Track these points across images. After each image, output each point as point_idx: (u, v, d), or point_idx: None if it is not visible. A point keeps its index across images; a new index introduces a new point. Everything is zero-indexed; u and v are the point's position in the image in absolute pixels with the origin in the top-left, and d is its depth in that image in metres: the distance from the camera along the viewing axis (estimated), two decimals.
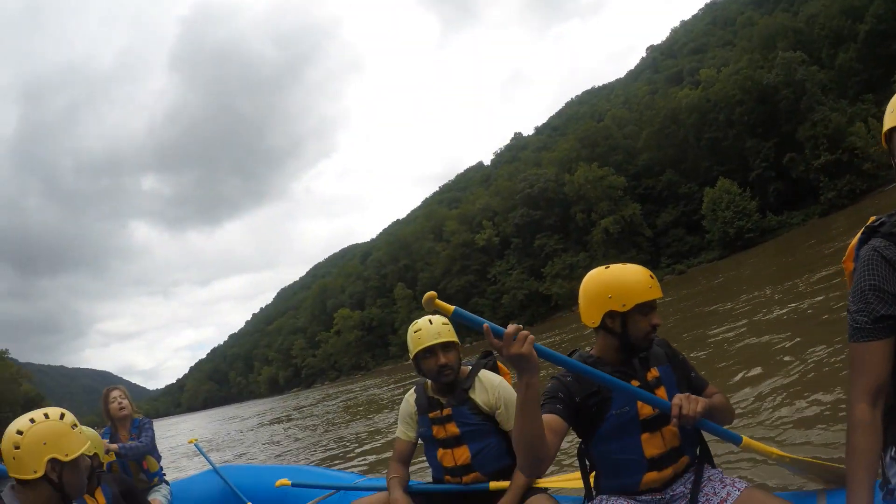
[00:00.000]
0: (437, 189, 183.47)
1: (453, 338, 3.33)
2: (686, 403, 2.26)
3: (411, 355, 3.38)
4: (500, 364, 3.67)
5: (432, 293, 1.88)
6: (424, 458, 3.61)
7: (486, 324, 1.91)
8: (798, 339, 9.34)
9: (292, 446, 16.06)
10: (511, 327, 1.92)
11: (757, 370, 8.37)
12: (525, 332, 1.94)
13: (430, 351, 3.28)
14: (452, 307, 1.93)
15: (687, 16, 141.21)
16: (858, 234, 2.12)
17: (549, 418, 2.35)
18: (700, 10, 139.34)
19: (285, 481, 4.20)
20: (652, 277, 2.50)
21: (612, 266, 2.57)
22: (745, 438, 2.41)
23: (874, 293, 1.94)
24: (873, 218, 2.09)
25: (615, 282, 2.49)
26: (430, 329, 3.28)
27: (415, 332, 3.34)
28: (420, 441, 3.55)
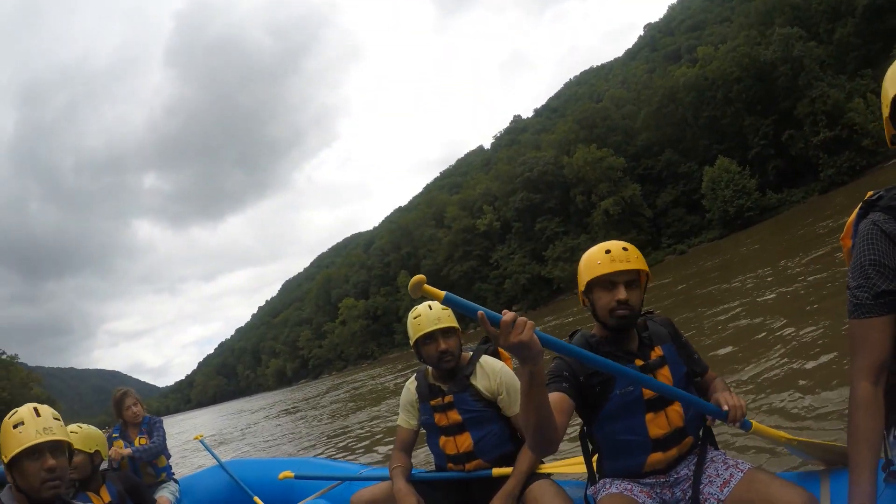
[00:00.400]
0: (438, 175, 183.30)
1: (454, 323, 3.31)
2: (732, 400, 2.27)
3: (411, 342, 3.37)
4: (501, 349, 3.62)
5: (420, 277, 1.64)
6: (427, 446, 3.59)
7: (482, 311, 1.72)
8: (791, 321, 9.39)
9: (299, 438, 16.17)
10: (508, 314, 1.74)
11: (749, 352, 8.45)
12: (524, 318, 1.76)
13: (431, 337, 3.27)
14: (443, 293, 1.68)
15: None
16: (856, 210, 2.10)
17: (555, 397, 2.33)
18: None
19: (288, 474, 4.28)
20: (608, 252, 2.48)
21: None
22: (755, 424, 2.38)
23: (874, 268, 1.91)
24: (871, 193, 2.06)
25: (581, 262, 2.58)
26: (429, 315, 3.26)
27: (414, 318, 3.33)
28: (422, 429, 3.53)
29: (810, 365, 6.77)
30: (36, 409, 2.46)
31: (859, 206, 2.08)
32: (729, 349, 9.26)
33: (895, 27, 52.04)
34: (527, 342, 1.73)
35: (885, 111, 1.93)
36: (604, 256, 2.46)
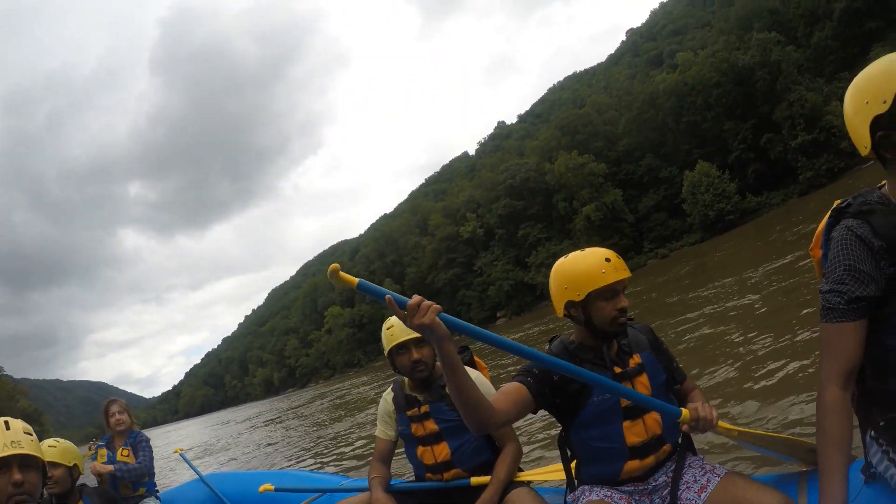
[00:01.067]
0: (424, 181, 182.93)
1: None
2: (702, 410, 2.28)
3: (385, 352, 3.38)
4: (476, 358, 3.69)
5: (335, 265, 1.76)
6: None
7: (389, 294, 1.86)
8: (752, 330, 9.45)
9: (281, 449, 16.08)
10: (414, 298, 1.89)
11: (711, 360, 8.48)
12: (428, 302, 1.89)
13: (403, 347, 3.28)
14: (357, 280, 1.81)
15: None
16: (825, 219, 2.10)
17: (512, 385, 2.38)
18: None
19: (269, 486, 4.27)
20: (608, 261, 2.44)
21: (571, 255, 2.55)
22: (721, 423, 2.36)
23: (849, 273, 1.90)
24: (838, 201, 2.07)
25: (568, 272, 2.49)
26: (402, 325, 3.21)
27: (387, 328, 3.33)
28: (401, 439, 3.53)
29: (771, 373, 6.84)
30: (6, 423, 2.42)
31: (828, 214, 2.08)
32: (691, 357, 9.27)
33: (872, 30, 52.45)
34: (429, 324, 1.86)
35: (864, 127, 1.91)
36: (606, 265, 2.42)
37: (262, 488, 4.30)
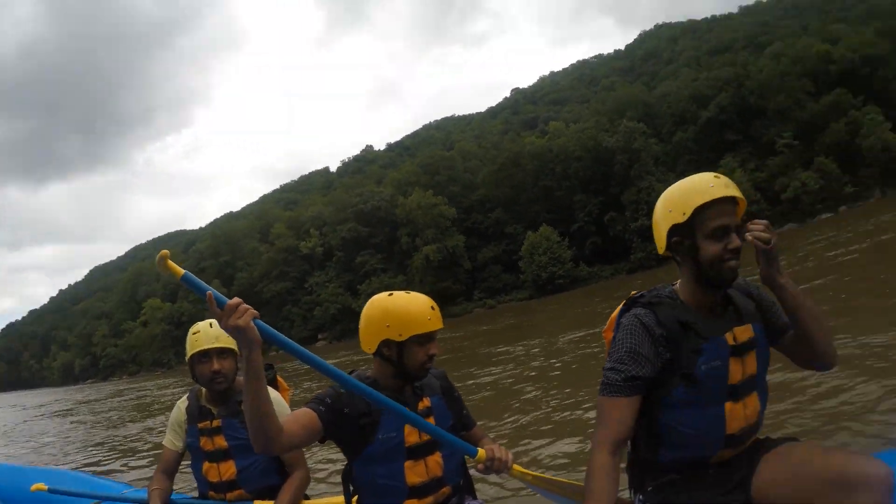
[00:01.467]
0: (278, 187, 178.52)
1: (231, 344, 3.18)
2: (499, 451, 2.41)
3: (186, 358, 3.25)
4: (279, 378, 3.59)
5: (165, 252, 1.75)
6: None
7: (210, 291, 1.85)
8: (551, 387, 10.23)
9: (66, 445, 15.17)
10: (234, 300, 1.87)
11: (509, 410, 9.07)
12: (246, 306, 1.89)
13: (206, 355, 3.18)
14: (183, 271, 1.81)
15: (558, 68, 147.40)
16: (620, 306, 2.32)
17: (304, 412, 2.36)
18: (571, 65, 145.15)
19: (41, 486, 3.93)
20: (433, 309, 2.52)
21: (396, 294, 2.56)
22: (516, 467, 2.50)
23: (629, 355, 2.11)
24: (634, 292, 2.30)
25: (394, 311, 2.49)
26: (208, 333, 3.17)
27: (193, 333, 3.25)
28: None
29: (557, 425, 7.42)
30: None
31: (623, 303, 2.30)
32: (487, 406, 9.87)
33: (729, 141, 58.38)
34: (243, 327, 1.86)
35: (664, 231, 2.18)
36: (432, 313, 2.49)
37: (34, 487, 3.91)
